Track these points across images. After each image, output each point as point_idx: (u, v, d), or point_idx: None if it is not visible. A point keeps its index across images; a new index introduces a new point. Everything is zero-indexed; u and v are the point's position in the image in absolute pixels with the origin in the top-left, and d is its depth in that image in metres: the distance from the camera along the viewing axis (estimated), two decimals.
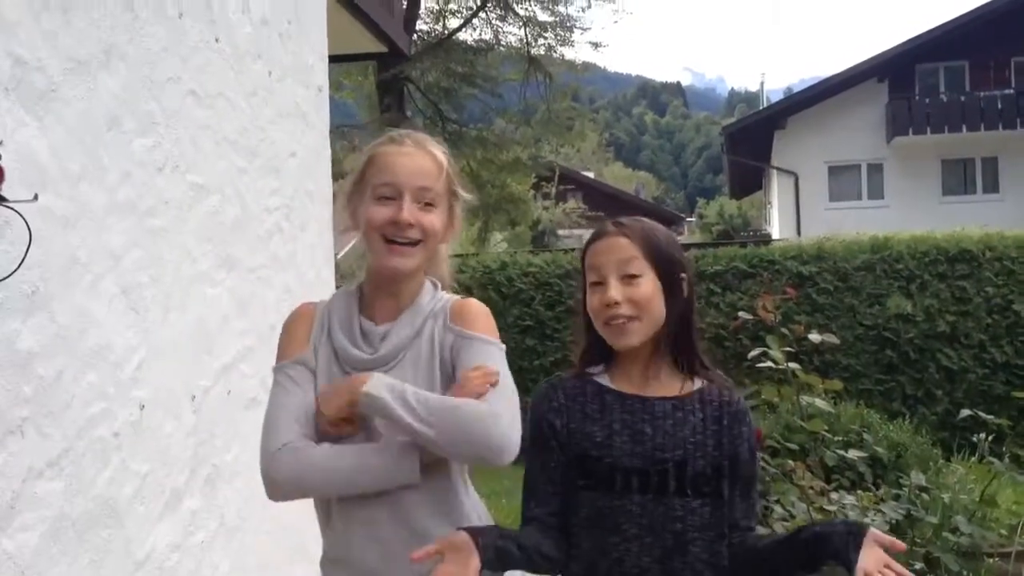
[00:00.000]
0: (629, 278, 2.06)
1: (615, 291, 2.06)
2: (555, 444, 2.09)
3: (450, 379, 2.07)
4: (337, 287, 5.08)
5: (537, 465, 2.12)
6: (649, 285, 2.07)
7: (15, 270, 2.25)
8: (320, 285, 4.67)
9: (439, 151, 2.14)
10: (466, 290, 10.86)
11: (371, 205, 2.06)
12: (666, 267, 2.11)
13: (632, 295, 2.05)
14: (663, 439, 2.04)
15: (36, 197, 2.33)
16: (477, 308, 2.17)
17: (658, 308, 2.08)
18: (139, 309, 2.96)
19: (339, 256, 5.08)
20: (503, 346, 2.14)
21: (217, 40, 3.60)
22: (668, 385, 2.13)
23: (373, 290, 2.15)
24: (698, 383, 2.14)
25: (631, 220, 2.16)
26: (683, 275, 2.14)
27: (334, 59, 5.48)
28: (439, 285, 2.20)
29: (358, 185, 2.12)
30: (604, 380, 2.15)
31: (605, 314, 2.07)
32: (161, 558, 3.04)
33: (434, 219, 2.09)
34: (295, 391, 2.08)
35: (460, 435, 1.93)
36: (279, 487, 2.01)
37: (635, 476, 2.02)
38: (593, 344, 2.18)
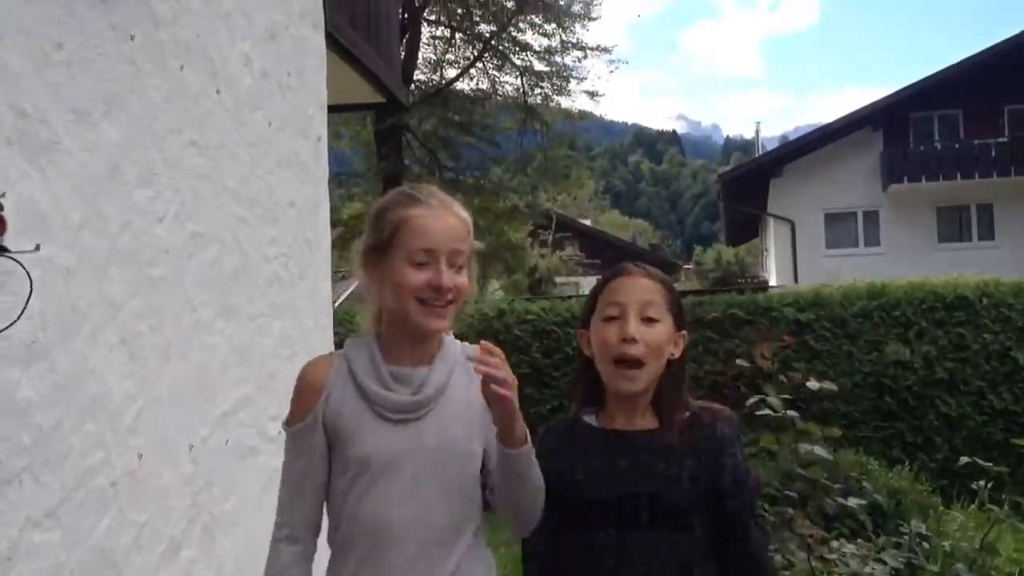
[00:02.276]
0: (648, 320, 2.08)
1: (634, 327, 2.07)
2: (548, 492, 2.11)
3: (485, 436, 2.12)
4: (335, 333, 5.09)
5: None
6: (664, 332, 2.10)
7: (15, 320, 2.26)
8: (318, 332, 4.68)
9: (463, 211, 2.20)
10: (462, 338, 10.77)
11: (406, 268, 2.09)
12: (676, 319, 2.13)
13: (648, 337, 2.07)
14: (637, 472, 2.05)
15: (38, 247, 2.34)
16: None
17: (664, 356, 2.10)
18: (138, 358, 2.96)
19: (336, 304, 5.09)
20: None
21: (218, 92, 3.63)
22: (651, 420, 2.15)
23: (398, 339, 2.16)
24: (674, 419, 2.14)
25: (648, 264, 2.22)
26: (683, 333, 2.17)
27: (333, 109, 5.53)
28: (450, 331, 2.25)
29: (386, 245, 2.13)
30: (593, 420, 2.18)
31: (618, 349, 2.08)
32: None
33: (465, 280, 2.15)
34: (305, 460, 2.15)
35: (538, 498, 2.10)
36: None
37: (609, 509, 2.05)
38: (588, 392, 2.20)
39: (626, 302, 2.10)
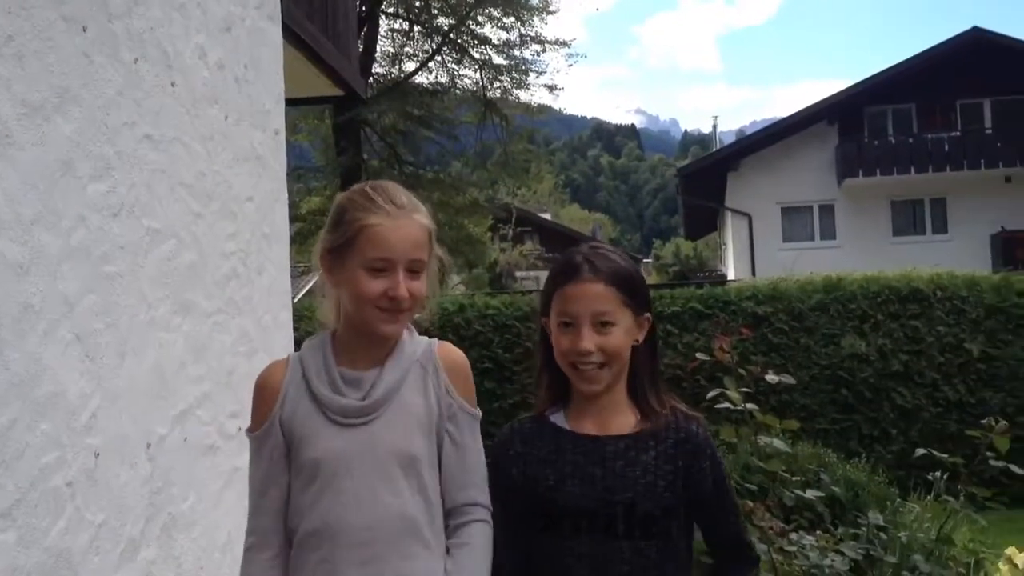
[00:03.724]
0: (602, 324, 2.06)
1: (588, 341, 2.05)
2: (513, 495, 2.09)
3: (435, 439, 2.13)
4: (295, 329, 5.06)
5: (501, 514, 2.11)
6: (621, 333, 2.08)
7: None
8: (277, 329, 4.64)
9: (424, 217, 2.17)
10: (424, 332, 10.73)
11: (363, 275, 2.08)
12: (636, 310, 2.11)
13: (604, 344, 2.05)
14: (613, 481, 2.03)
15: None
16: (466, 367, 2.23)
17: (627, 354, 2.09)
18: (94, 356, 2.92)
19: (296, 299, 5.05)
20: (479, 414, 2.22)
21: (173, 84, 3.58)
22: (625, 420, 2.13)
23: (354, 340, 2.17)
24: (656, 418, 2.12)
25: (603, 258, 2.13)
26: (648, 315, 2.15)
27: (291, 102, 5.48)
28: (413, 330, 2.23)
29: (344, 248, 2.12)
30: (560, 420, 2.15)
31: (574, 359, 2.07)
32: None
33: (422, 284, 2.14)
34: (265, 465, 2.15)
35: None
36: None
37: (584, 518, 2.02)
38: (553, 379, 2.18)
39: (577, 313, 2.07)
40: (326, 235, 2.18)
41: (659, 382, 2.19)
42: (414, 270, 2.11)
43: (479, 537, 2.12)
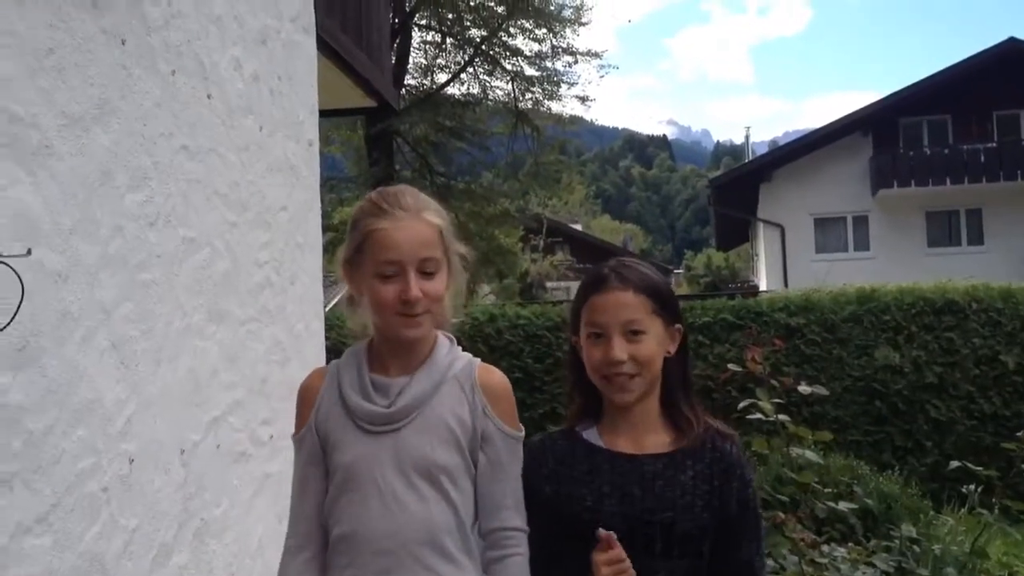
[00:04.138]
0: (633, 334, 2.05)
1: (620, 350, 2.04)
2: (546, 510, 2.08)
3: (469, 458, 2.12)
4: (327, 338, 5.09)
5: (535, 530, 2.11)
6: (652, 342, 2.06)
7: (7, 324, 2.26)
8: (309, 337, 4.68)
9: (433, 215, 2.15)
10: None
11: (375, 283, 2.09)
12: (667, 320, 2.11)
13: (636, 353, 2.04)
14: (652, 502, 2.01)
15: (29, 252, 2.34)
16: (506, 388, 2.20)
17: (659, 363, 2.08)
18: (129, 363, 2.96)
19: (328, 308, 5.09)
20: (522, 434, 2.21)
21: (209, 96, 3.63)
22: (660, 438, 2.11)
23: (384, 347, 2.18)
24: (692, 434, 2.11)
25: (631, 269, 2.13)
26: (679, 326, 2.14)
27: (324, 114, 5.53)
28: (454, 340, 2.23)
29: (356, 256, 2.15)
30: (594, 437, 2.13)
31: (607, 371, 2.06)
32: None
33: (438, 285, 2.12)
34: (304, 470, 2.19)
35: None
36: None
37: (623, 537, 2.00)
38: (585, 397, 2.18)
39: (607, 323, 2.07)
40: (345, 245, 2.20)
41: (692, 394, 2.18)
42: (427, 271, 2.10)
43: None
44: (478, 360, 2.22)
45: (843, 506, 4.36)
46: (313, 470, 2.16)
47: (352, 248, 2.15)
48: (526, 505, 2.13)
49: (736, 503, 2.07)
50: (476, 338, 10.68)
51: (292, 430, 2.24)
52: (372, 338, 2.22)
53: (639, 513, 2.02)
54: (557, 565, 2.06)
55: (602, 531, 1.97)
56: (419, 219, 2.11)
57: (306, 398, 2.21)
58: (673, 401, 2.14)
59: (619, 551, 1.96)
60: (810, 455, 4.18)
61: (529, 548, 2.10)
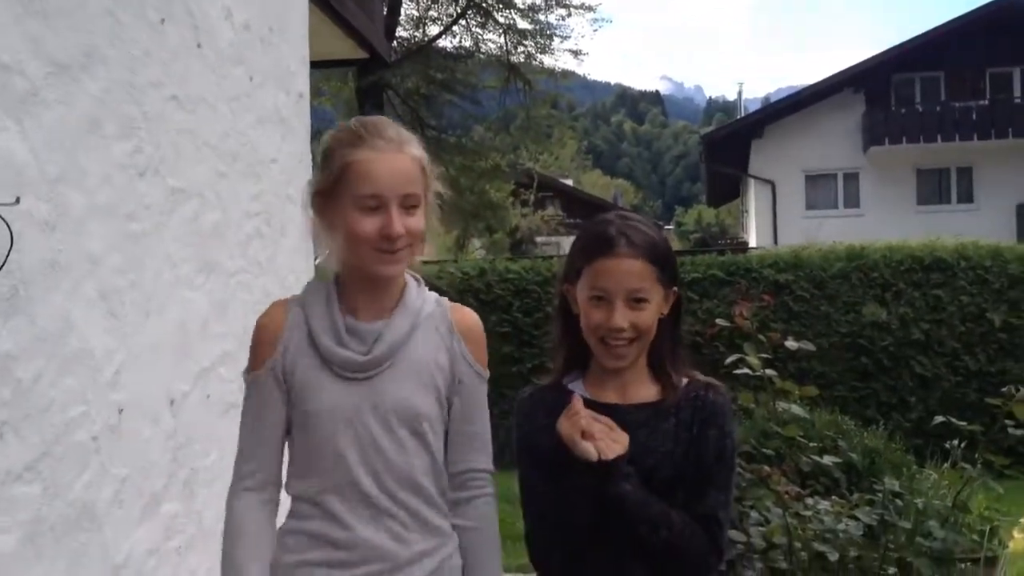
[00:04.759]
0: (636, 302, 2.04)
1: (622, 318, 2.03)
2: (545, 461, 2.08)
3: (445, 403, 2.11)
4: None
5: (535, 479, 2.12)
6: (654, 309, 2.06)
7: None
8: (300, 289, 4.67)
9: (417, 148, 2.08)
10: (444, 296, 10.79)
11: (355, 214, 2.00)
12: (668, 285, 2.10)
13: (637, 321, 2.03)
14: (635, 449, 2.01)
15: (18, 200, 2.34)
16: (480, 330, 2.19)
17: (654, 329, 2.09)
18: (118, 313, 2.96)
19: (318, 260, 5.06)
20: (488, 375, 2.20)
21: (199, 45, 3.60)
22: (646, 390, 2.13)
23: (356, 287, 2.10)
24: (677, 384, 2.12)
25: (637, 231, 2.08)
26: (675, 288, 2.14)
27: (315, 65, 5.48)
28: (420, 281, 2.18)
29: (333, 188, 2.04)
30: (580, 389, 2.14)
31: (605, 335, 2.06)
32: (139, 563, 3.04)
33: (419, 220, 2.05)
34: (265, 410, 2.09)
35: None
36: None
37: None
38: (572, 353, 2.18)
39: (612, 289, 2.04)
40: (316, 176, 2.12)
41: (679, 354, 2.19)
42: (409, 205, 2.02)
43: (489, 517, 2.14)
44: (446, 299, 2.18)
45: (828, 460, 4.39)
46: (272, 413, 2.08)
47: (328, 179, 2.05)
48: (528, 459, 2.15)
49: (713, 451, 2.07)
50: (466, 292, 10.70)
51: None
52: (336, 275, 2.14)
53: None
54: (569, 513, 2.06)
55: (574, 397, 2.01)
56: (402, 151, 2.04)
57: (266, 336, 2.10)
58: (660, 360, 2.15)
59: (576, 407, 1.98)
60: (796, 410, 4.20)
61: (537, 499, 2.11)
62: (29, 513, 2.48)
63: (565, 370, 2.21)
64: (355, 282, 2.10)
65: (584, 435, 1.96)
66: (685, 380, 2.14)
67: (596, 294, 2.07)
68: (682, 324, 2.22)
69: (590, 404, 2.07)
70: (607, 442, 1.96)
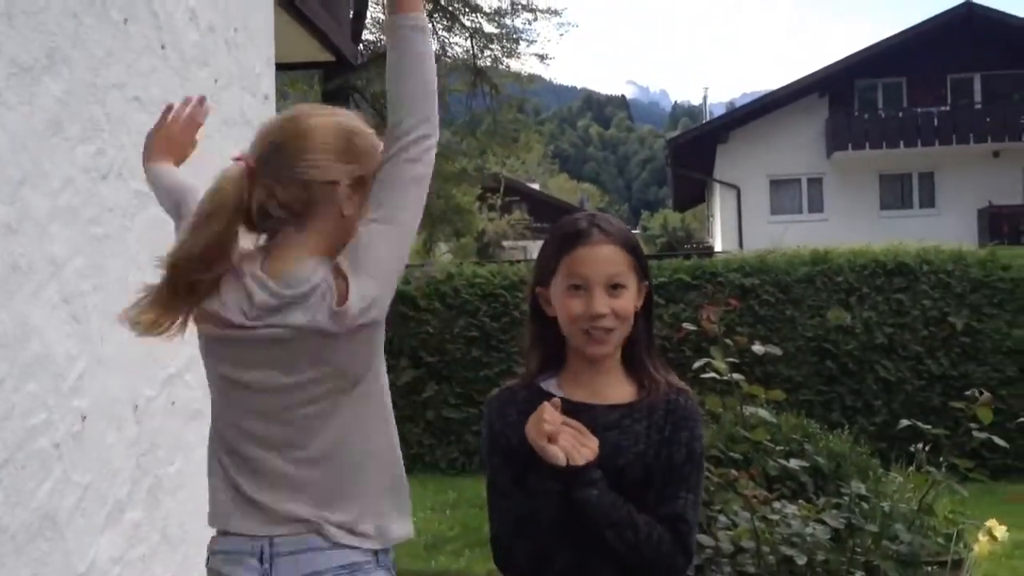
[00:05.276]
0: (614, 288, 2.05)
1: (602, 304, 2.03)
2: (513, 459, 2.07)
3: None
4: None
5: (501, 478, 2.10)
6: (631, 295, 2.07)
7: None
8: None
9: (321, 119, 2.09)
10: (411, 300, 10.88)
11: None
12: (640, 276, 2.11)
13: (616, 306, 2.03)
14: (606, 450, 2.00)
15: None
16: None
17: (632, 317, 2.09)
18: (81, 318, 2.92)
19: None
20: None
21: (163, 47, 3.56)
22: (620, 390, 2.12)
23: None
24: (654, 389, 2.11)
25: (608, 222, 2.11)
26: (646, 282, 2.15)
27: (281, 67, 5.44)
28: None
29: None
30: (553, 388, 2.12)
31: (586, 324, 2.05)
32: (102, 571, 2.99)
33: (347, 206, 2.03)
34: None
35: None
36: None
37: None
38: (546, 350, 2.17)
39: (591, 276, 2.04)
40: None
41: (655, 350, 2.19)
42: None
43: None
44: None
45: (794, 464, 4.42)
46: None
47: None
48: (496, 458, 2.12)
49: (684, 453, 2.07)
50: (433, 297, 10.66)
51: None
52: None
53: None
54: (534, 514, 2.05)
55: (552, 402, 1.98)
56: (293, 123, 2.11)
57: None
58: (637, 356, 2.15)
59: (547, 412, 1.95)
60: (763, 413, 4.22)
61: (504, 499, 2.09)
62: None
63: (539, 372, 2.20)
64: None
65: (551, 439, 1.95)
66: (658, 383, 2.14)
67: (574, 283, 2.06)
68: (654, 322, 2.22)
69: (564, 403, 2.07)
70: (576, 447, 1.96)
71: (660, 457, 2.06)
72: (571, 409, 2.06)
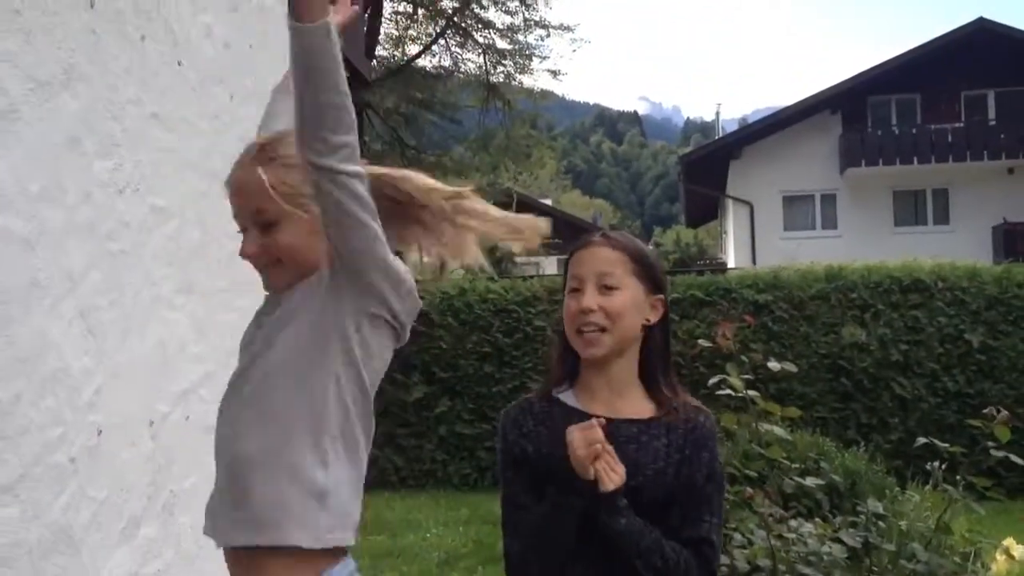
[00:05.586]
0: (607, 288, 2.07)
1: (590, 298, 2.06)
2: (528, 469, 2.08)
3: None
4: None
5: (516, 490, 2.10)
6: (625, 297, 2.08)
7: None
8: None
9: (257, 161, 1.98)
10: (424, 316, 10.85)
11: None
12: (647, 284, 2.11)
13: (607, 305, 2.06)
14: (624, 463, 2.01)
15: None
16: None
17: (630, 323, 2.08)
18: (97, 333, 2.92)
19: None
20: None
21: (179, 63, 3.58)
22: (636, 407, 2.12)
23: None
24: (669, 406, 2.11)
25: (619, 233, 2.18)
26: (661, 296, 2.15)
27: None
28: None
29: None
30: (570, 399, 2.14)
31: (578, 320, 2.07)
32: None
33: (282, 236, 1.97)
34: None
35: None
36: None
37: (587, 496, 1.98)
38: (564, 358, 2.18)
39: (583, 274, 2.09)
40: None
41: (671, 367, 2.19)
42: (263, 222, 1.96)
43: None
44: None
45: (810, 482, 4.39)
46: None
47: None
48: (511, 469, 2.12)
49: (704, 474, 2.08)
50: (446, 312, 10.66)
51: None
52: None
53: None
54: (552, 529, 2.05)
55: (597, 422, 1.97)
56: (241, 167, 2.02)
57: None
58: (651, 372, 2.14)
59: (597, 432, 1.94)
60: (778, 431, 4.20)
61: (519, 512, 2.09)
62: (7, 536, 2.43)
63: (557, 383, 2.20)
64: None
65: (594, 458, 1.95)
66: (679, 399, 2.13)
67: (572, 285, 2.12)
68: (671, 339, 2.22)
69: (578, 414, 2.07)
70: (608, 472, 1.95)
71: (680, 477, 2.05)
72: (584, 420, 2.05)
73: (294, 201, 1.93)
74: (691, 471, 2.06)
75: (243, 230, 2.00)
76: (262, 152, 1.98)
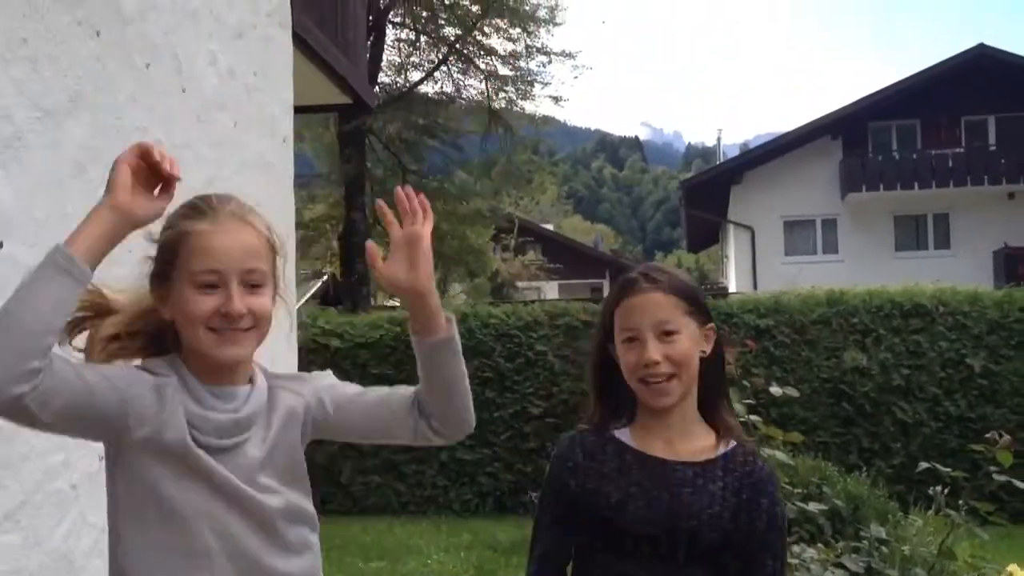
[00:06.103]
0: (666, 334, 2.03)
1: (654, 351, 2.01)
2: (567, 504, 2.06)
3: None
4: (298, 337, 5.06)
5: (547, 520, 2.10)
6: (686, 341, 2.04)
7: None
8: (282, 334, 4.65)
9: (263, 225, 1.90)
10: None
11: (191, 293, 1.80)
12: (699, 318, 2.08)
13: (670, 353, 2.02)
14: (679, 507, 1.99)
15: (1, 244, 2.32)
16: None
17: (694, 363, 2.05)
18: None
19: (299, 305, 5.06)
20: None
21: (184, 91, 3.61)
22: (693, 446, 2.08)
23: (200, 371, 1.85)
24: (724, 446, 2.08)
25: (659, 271, 2.12)
26: (711, 326, 2.12)
27: (298, 110, 5.50)
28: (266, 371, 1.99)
29: (167, 267, 1.86)
30: (626, 437, 2.10)
31: (642, 373, 2.03)
32: None
33: (266, 301, 1.88)
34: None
35: None
36: None
37: (646, 542, 1.97)
38: (617, 399, 2.14)
39: (640, 325, 2.04)
40: (153, 259, 1.90)
41: (727, 398, 2.16)
42: (253, 283, 1.83)
43: None
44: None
45: (813, 507, 4.39)
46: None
47: (160, 256, 1.87)
48: (549, 499, 2.12)
49: (765, 520, 2.05)
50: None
51: None
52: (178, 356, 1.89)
53: (664, 519, 1.99)
54: (584, 574, 2.05)
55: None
56: (245, 224, 1.85)
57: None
58: (711, 404, 2.12)
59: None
60: (780, 456, 4.20)
61: (546, 544, 2.09)
62: (8, 563, 2.43)
63: (609, 419, 2.16)
64: (199, 368, 1.86)
65: None
66: (733, 443, 2.10)
67: (628, 335, 2.06)
68: (726, 370, 2.19)
69: (637, 455, 2.05)
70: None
71: (739, 522, 2.02)
72: (644, 462, 2.04)
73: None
74: (750, 518, 2.03)
75: (216, 286, 1.81)
76: (264, 224, 1.93)
